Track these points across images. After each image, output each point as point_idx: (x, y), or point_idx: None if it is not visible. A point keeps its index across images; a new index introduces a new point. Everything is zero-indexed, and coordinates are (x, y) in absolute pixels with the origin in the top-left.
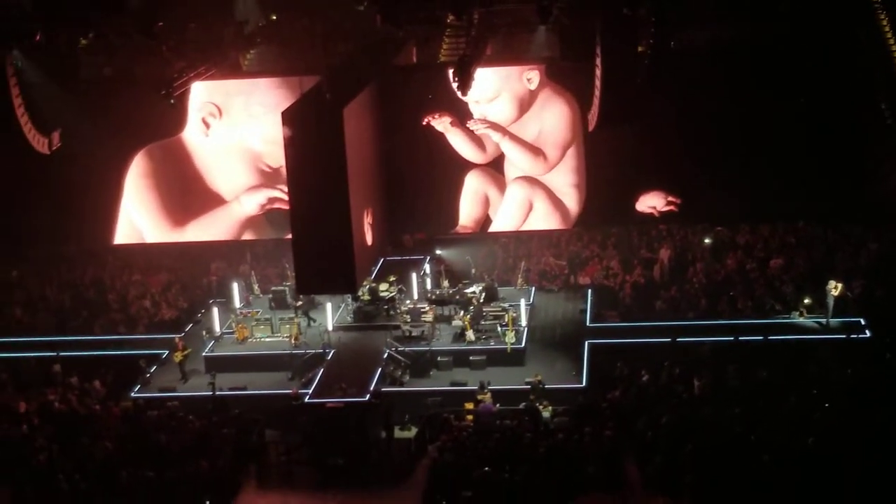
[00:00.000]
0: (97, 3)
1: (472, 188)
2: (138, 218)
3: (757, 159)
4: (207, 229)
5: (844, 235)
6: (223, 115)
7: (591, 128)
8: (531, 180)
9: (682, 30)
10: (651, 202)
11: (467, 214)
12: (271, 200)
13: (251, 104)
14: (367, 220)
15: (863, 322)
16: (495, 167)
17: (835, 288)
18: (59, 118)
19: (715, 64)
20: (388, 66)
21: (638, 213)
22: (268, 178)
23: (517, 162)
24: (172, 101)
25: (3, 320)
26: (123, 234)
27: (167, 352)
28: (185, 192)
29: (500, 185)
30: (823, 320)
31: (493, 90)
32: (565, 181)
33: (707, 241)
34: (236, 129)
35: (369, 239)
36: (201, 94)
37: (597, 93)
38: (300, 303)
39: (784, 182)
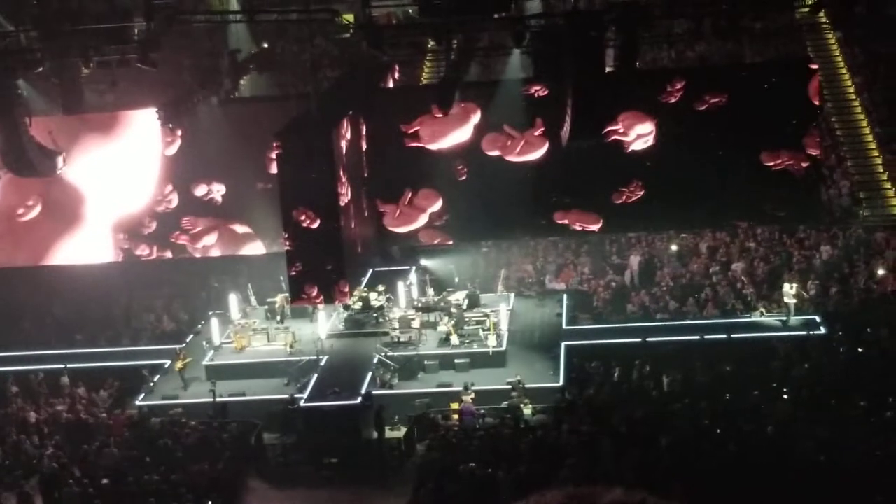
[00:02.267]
0: (100, 34)
1: None
2: None
3: (719, 169)
4: None
5: (800, 240)
6: None
7: (564, 142)
8: None
9: (647, 50)
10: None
11: None
12: None
13: None
14: (357, 234)
15: (818, 319)
16: None
17: (791, 288)
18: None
19: (678, 81)
20: (374, 88)
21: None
22: None
23: None
24: (171, 125)
25: (13, 334)
26: None
27: (169, 362)
28: None
29: None
30: (783, 318)
31: None
32: None
33: (674, 247)
34: None
35: (359, 251)
36: None
37: (568, 110)
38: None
39: (743, 190)
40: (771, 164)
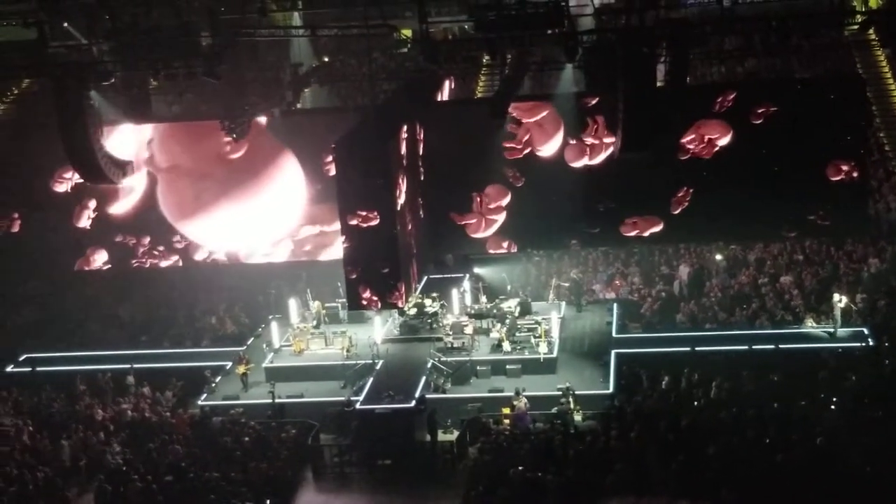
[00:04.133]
0: (168, 48)
1: None
2: None
3: (768, 181)
4: None
5: (848, 253)
6: None
7: (615, 154)
8: None
9: (697, 66)
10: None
11: None
12: None
13: None
14: (413, 241)
15: (866, 331)
16: None
17: (839, 300)
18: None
19: (730, 92)
20: (429, 101)
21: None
22: None
23: None
24: (235, 136)
25: (82, 335)
26: None
27: (230, 363)
28: None
29: None
30: (831, 330)
31: None
32: None
33: (718, 257)
34: None
35: (415, 258)
36: None
37: (620, 123)
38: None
39: (792, 201)
40: (835, 178)
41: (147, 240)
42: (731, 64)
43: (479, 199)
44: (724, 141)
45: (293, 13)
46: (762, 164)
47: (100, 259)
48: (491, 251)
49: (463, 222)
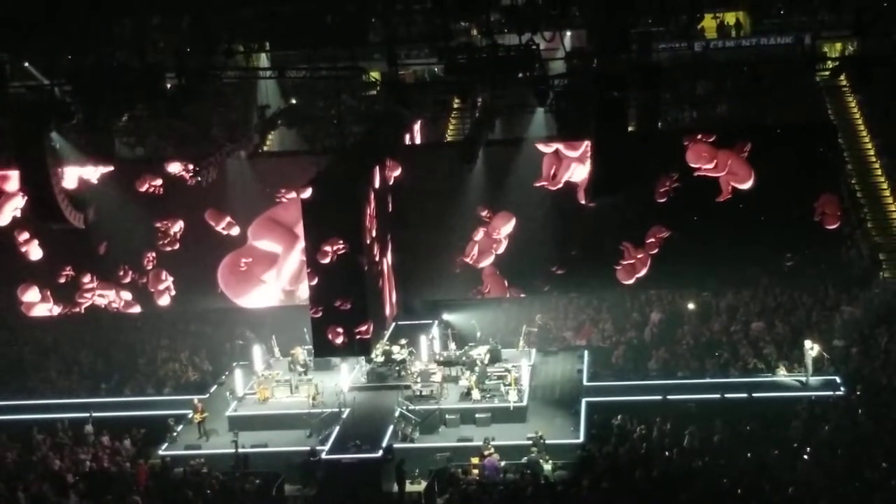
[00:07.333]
0: (132, 88)
1: None
2: None
3: (738, 229)
4: None
5: (820, 300)
6: None
7: (586, 201)
8: None
9: (669, 111)
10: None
11: None
12: None
13: None
14: (382, 286)
15: (838, 380)
16: None
17: (811, 348)
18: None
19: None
20: (399, 144)
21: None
22: None
23: None
24: (199, 179)
25: (39, 382)
26: None
27: (192, 412)
28: None
29: None
30: (803, 379)
31: None
32: None
33: (690, 305)
34: None
35: (384, 303)
36: None
37: (590, 167)
38: None
39: (761, 250)
40: (809, 224)
41: (88, 277)
42: (704, 109)
43: (484, 231)
44: (746, 185)
45: (260, 54)
46: (735, 210)
47: (31, 297)
48: (492, 293)
49: (469, 259)
